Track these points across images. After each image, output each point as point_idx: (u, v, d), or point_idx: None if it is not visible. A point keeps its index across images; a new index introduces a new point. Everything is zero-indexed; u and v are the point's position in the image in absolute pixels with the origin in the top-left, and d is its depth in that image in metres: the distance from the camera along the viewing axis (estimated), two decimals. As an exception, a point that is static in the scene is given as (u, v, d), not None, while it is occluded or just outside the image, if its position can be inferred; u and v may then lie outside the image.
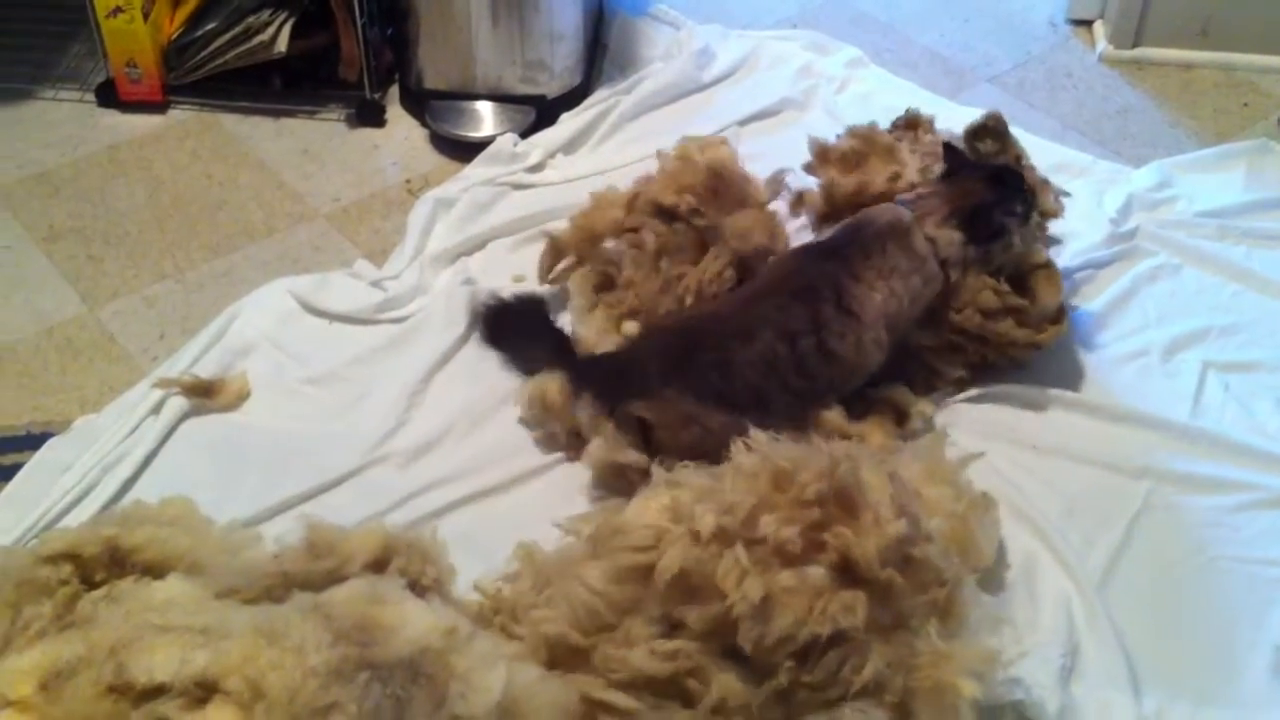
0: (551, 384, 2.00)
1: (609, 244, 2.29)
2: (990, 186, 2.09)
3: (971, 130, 2.25)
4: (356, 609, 1.45)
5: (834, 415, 1.99)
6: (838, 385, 2.00)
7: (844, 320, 1.97)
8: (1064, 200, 2.27)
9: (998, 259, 2.09)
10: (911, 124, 2.38)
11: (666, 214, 2.26)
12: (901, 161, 2.24)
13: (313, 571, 1.57)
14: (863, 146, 2.30)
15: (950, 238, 2.04)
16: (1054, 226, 2.29)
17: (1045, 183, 2.24)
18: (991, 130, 2.24)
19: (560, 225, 2.38)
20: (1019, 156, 2.24)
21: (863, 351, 1.99)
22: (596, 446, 1.95)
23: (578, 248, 2.31)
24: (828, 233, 2.16)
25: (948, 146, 2.18)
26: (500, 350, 2.00)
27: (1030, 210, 2.11)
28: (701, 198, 2.24)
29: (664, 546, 1.56)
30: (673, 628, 1.55)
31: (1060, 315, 2.15)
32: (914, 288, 2.03)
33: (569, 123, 2.77)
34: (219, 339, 2.23)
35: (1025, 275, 2.13)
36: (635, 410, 1.91)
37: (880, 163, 2.26)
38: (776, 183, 2.38)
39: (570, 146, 2.73)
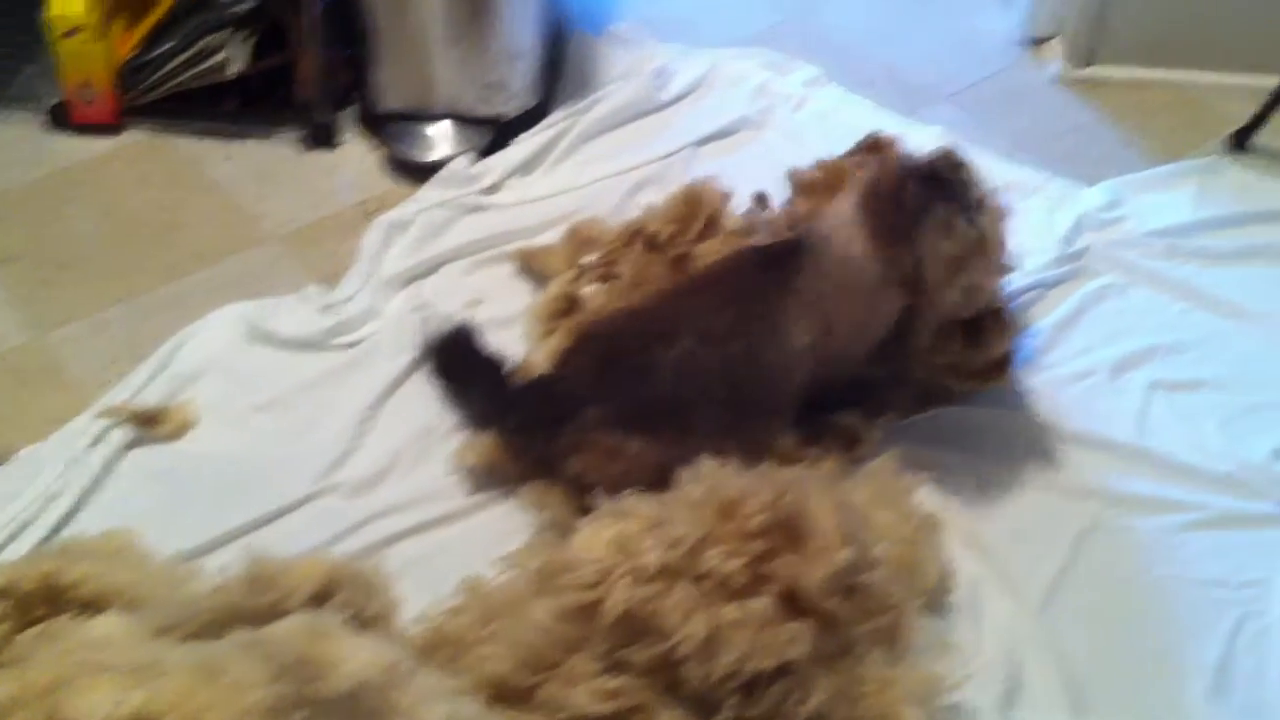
0: (488, 445, 2.00)
1: (589, 259, 2.33)
2: (913, 174, 1.95)
3: (857, 148, 2.21)
4: (297, 644, 1.44)
5: (787, 441, 1.99)
6: (765, 400, 1.96)
7: (773, 341, 1.94)
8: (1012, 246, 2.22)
9: (942, 296, 2.00)
10: (874, 146, 2.34)
11: (649, 242, 2.27)
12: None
13: (254, 605, 1.56)
14: (826, 178, 2.29)
15: (849, 225, 1.95)
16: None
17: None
18: (875, 145, 2.21)
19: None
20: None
21: (789, 376, 1.96)
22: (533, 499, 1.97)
23: (568, 255, 2.36)
24: (779, 234, 2.13)
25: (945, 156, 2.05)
26: (441, 384, 1.99)
27: (970, 213, 1.96)
28: (681, 225, 2.26)
29: (609, 584, 1.56)
30: (617, 665, 1.55)
31: (1006, 361, 2.14)
32: (850, 312, 1.98)
33: (525, 144, 2.76)
34: (166, 365, 2.22)
35: (976, 320, 2.09)
36: (560, 464, 1.92)
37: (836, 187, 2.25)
38: (752, 217, 2.39)
39: (526, 168, 2.72)
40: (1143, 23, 2.98)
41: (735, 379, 1.93)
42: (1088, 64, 3.05)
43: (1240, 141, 2.82)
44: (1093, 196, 2.64)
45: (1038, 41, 3.17)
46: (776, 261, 2.00)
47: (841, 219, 1.98)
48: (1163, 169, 2.74)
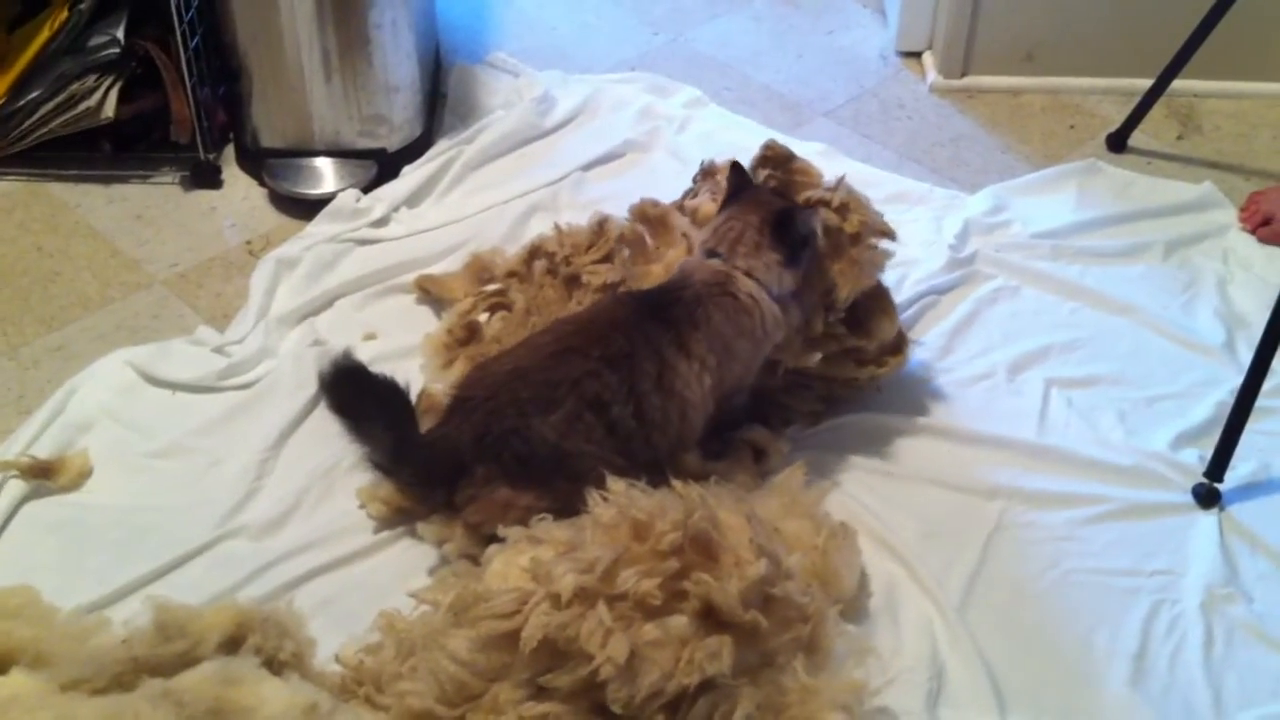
0: (390, 493, 1.98)
1: (492, 287, 2.31)
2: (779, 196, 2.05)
3: (753, 164, 2.20)
4: (209, 692, 1.41)
5: (692, 458, 1.98)
6: (662, 454, 1.93)
7: (664, 398, 1.91)
8: (899, 227, 2.25)
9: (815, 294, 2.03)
10: (709, 172, 2.33)
11: (548, 261, 2.25)
12: (675, 233, 2.21)
13: (164, 655, 1.52)
14: (633, 230, 2.25)
15: (768, 262, 1.97)
16: (896, 255, 2.30)
17: (863, 199, 2.17)
18: (771, 159, 2.20)
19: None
20: (811, 183, 2.16)
21: (687, 424, 1.94)
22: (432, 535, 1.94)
23: (468, 282, 2.34)
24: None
25: (734, 165, 2.11)
26: (341, 420, 1.94)
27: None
28: (578, 249, 2.24)
29: (526, 612, 1.54)
30: (541, 690, 1.54)
31: (900, 343, 2.17)
32: (744, 353, 1.98)
33: (412, 175, 2.75)
34: (56, 416, 2.15)
35: (859, 308, 2.10)
36: (458, 514, 1.89)
37: (661, 241, 2.23)
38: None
39: (414, 199, 2.71)
40: (1012, 32, 3.06)
41: (626, 434, 1.90)
42: (962, 74, 3.12)
43: (1116, 143, 2.89)
44: (977, 202, 2.69)
45: (911, 55, 3.24)
46: (663, 312, 1.96)
47: (735, 246, 1.99)
48: (1043, 173, 2.81)
